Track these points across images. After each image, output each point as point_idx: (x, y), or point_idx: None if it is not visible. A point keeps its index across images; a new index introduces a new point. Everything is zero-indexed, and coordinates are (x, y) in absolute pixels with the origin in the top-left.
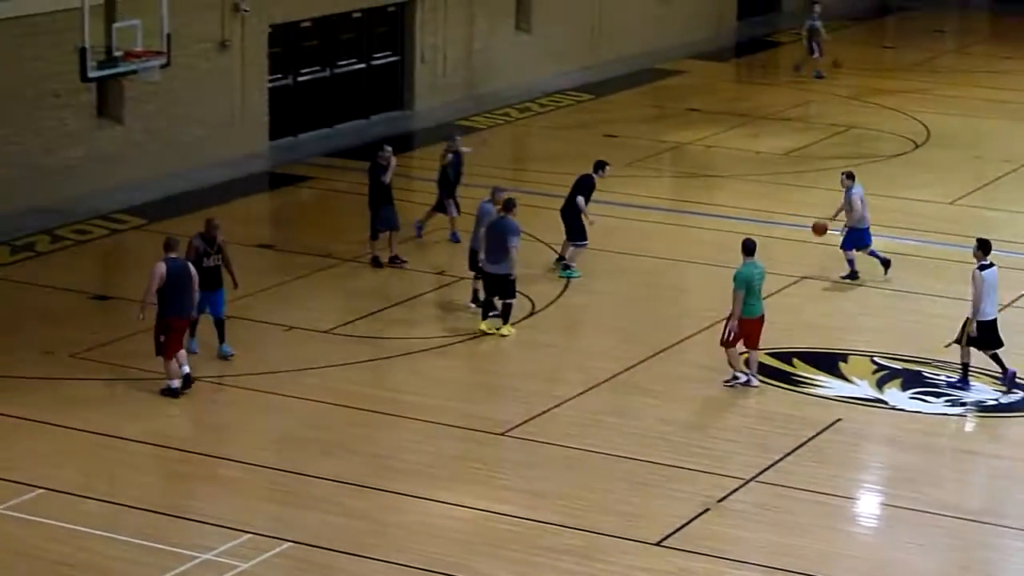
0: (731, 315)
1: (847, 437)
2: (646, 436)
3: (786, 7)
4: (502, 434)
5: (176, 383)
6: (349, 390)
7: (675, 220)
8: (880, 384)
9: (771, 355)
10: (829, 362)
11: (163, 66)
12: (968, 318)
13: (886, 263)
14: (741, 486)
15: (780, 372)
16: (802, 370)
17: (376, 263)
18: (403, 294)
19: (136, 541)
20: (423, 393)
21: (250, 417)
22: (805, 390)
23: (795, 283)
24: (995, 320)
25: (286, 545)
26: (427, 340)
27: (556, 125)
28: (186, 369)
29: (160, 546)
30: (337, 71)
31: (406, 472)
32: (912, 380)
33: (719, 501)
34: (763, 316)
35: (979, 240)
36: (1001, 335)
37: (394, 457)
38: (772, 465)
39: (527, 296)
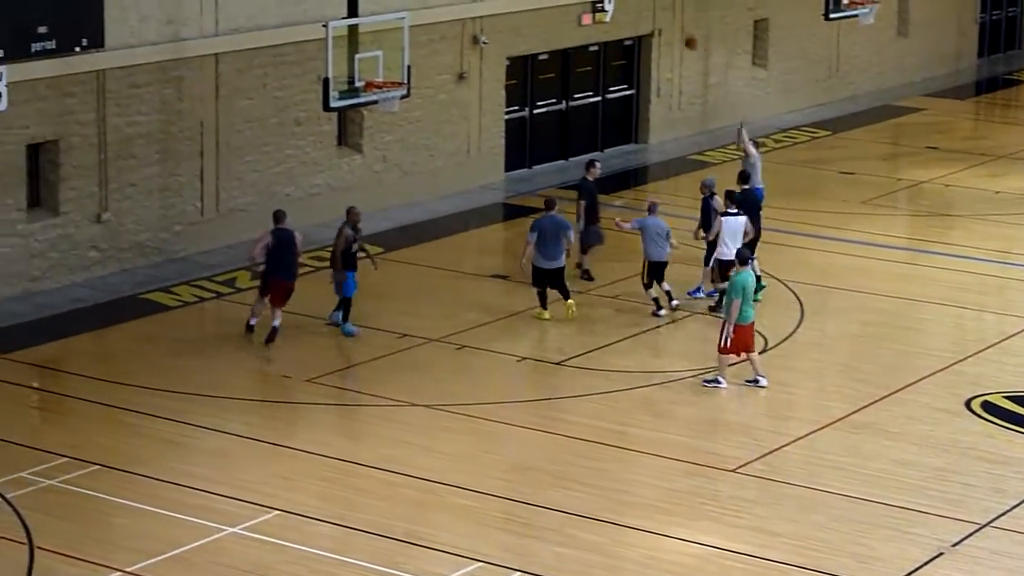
0: (726, 321)
1: None
2: (880, 477)
3: None
4: (733, 471)
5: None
6: (580, 422)
7: (910, 259)
8: None
9: (1008, 398)
10: None
11: (403, 97)
12: None
13: None
14: (977, 531)
15: (1017, 416)
16: None
17: (587, 276)
18: (633, 328)
19: (368, 565)
20: (654, 427)
21: (482, 446)
22: None
23: None
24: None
25: (517, 575)
26: (657, 375)
27: (791, 161)
28: (276, 322)
29: (392, 571)
30: (573, 104)
31: (638, 506)
32: None
33: (954, 545)
34: (754, 322)
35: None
36: None
37: (626, 491)
38: (1009, 510)
39: (760, 333)
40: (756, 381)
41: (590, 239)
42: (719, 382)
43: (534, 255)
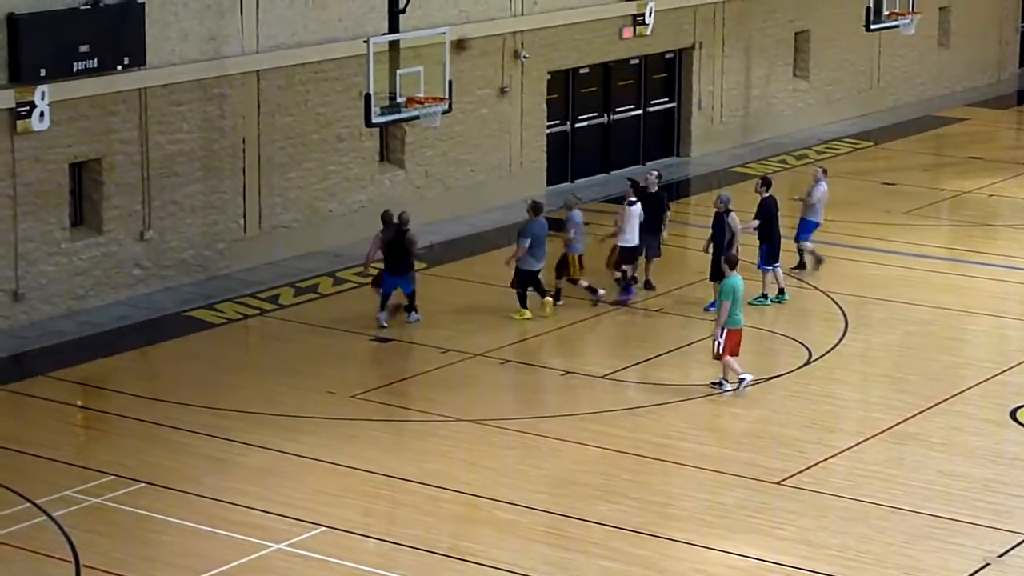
0: (717, 323)
1: None
2: (925, 488)
3: None
4: (778, 483)
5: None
6: (625, 436)
7: (953, 269)
8: None
9: None
10: None
11: (444, 112)
12: None
13: None
14: (1022, 541)
15: None
16: None
17: (648, 285)
18: (677, 341)
19: None
20: (699, 440)
21: (527, 460)
22: None
23: None
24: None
25: None
26: (701, 387)
27: (834, 172)
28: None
29: None
30: (614, 117)
31: (683, 519)
32: None
33: (1000, 556)
34: (743, 328)
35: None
36: None
37: (671, 504)
38: None
39: (804, 344)
40: (720, 384)
41: (651, 251)
42: (724, 385)
43: (526, 258)
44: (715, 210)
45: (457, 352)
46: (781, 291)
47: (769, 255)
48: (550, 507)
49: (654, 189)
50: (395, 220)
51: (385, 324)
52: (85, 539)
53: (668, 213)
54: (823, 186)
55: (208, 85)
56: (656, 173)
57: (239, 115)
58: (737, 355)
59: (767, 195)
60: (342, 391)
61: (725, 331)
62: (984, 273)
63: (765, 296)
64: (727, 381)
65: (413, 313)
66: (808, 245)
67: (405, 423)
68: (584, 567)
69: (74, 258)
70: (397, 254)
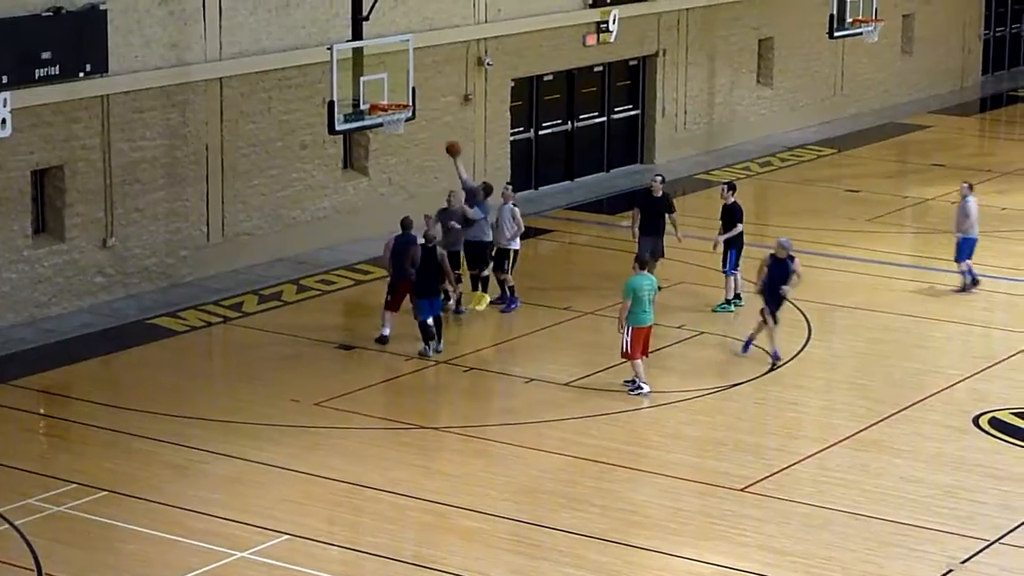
0: (619, 324)
1: None
2: (889, 495)
3: None
4: (742, 490)
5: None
6: (589, 443)
7: (916, 276)
8: None
9: (1016, 414)
10: None
11: (408, 119)
12: None
13: None
14: (986, 547)
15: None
16: None
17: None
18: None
19: None
20: (663, 447)
21: (491, 468)
22: None
23: None
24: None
25: None
26: (666, 394)
27: (798, 179)
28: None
29: None
30: (578, 125)
31: (647, 527)
32: None
33: (963, 562)
34: (651, 326)
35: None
36: None
37: (635, 511)
38: (1018, 527)
39: (767, 351)
40: (634, 382)
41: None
42: (643, 388)
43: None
44: (777, 256)
45: (421, 359)
46: (737, 296)
47: (736, 259)
48: (515, 515)
49: (659, 194)
50: (422, 240)
51: (431, 353)
52: (47, 547)
53: (675, 215)
54: (972, 201)
55: (171, 92)
56: (660, 177)
57: (202, 122)
58: (645, 352)
59: (732, 201)
60: (306, 399)
61: (630, 329)
62: (948, 280)
63: (729, 302)
64: (643, 382)
65: (438, 344)
66: (968, 264)
67: (369, 431)
68: (548, 574)
69: (36, 266)
70: (428, 276)
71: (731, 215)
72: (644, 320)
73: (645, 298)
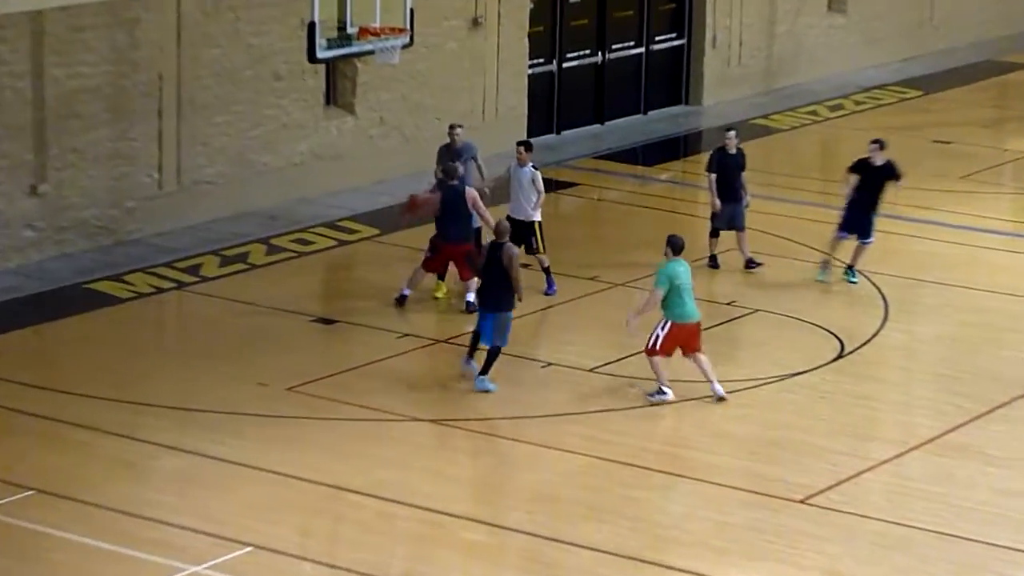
0: (638, 313)
1: None
2: (979, 510)
3: None
4: (801, 501)
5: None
6: (617, 442)
7: (1017, 246)
8: None
9: None
10: None
11: (405, 46)
12: None
13: None
14: None
15: None
16: None
17: (713, 263)
18: None
19: None
20: (707, 449)
21: (500, 470)
22: None
23: None
24: None
25: None
26: (710, 385)
27: (874, 127)
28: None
29: None
30: (611, 56)
31: (686, 544)
32: None
33: None
34: (699, 323)
35: None
36: None
37: (673, 525)
38: None
39: (835, 335)
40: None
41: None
42: (664, 394)
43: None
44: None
45: (416, 337)
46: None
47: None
48: (528, 527)
49: (733, 151)
50: (498, 238)
51: (466, 369)
52: None
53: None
54: None
55: (118, 8)
56: (734, 131)
57: (155, 45)
58: (698, 349)
59: (884, 161)
60: (276, 383)
61: (668, 324)
62: None
63: (851, 269)
64: (665, 385)
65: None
66: None
67: (352, 422)
68: None
69: None
70: (495, 280)
71: (882, 177)
72: (686, 315)
73: (684, 288)
